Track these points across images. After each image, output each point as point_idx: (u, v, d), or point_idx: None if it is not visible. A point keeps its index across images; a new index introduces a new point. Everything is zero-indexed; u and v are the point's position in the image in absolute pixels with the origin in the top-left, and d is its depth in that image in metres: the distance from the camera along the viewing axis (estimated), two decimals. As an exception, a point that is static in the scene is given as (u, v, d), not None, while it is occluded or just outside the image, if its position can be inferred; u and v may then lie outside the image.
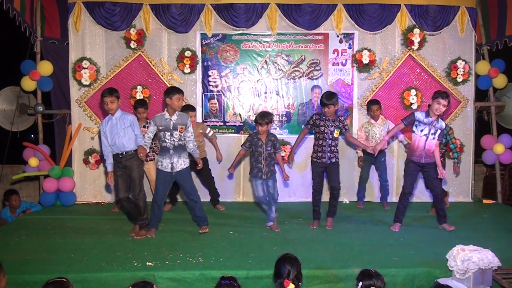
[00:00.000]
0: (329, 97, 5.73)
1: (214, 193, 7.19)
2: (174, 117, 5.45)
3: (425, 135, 5.58)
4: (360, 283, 3.21)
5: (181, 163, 5.52)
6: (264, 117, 5.70)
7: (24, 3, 7.23)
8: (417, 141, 5.65)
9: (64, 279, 3.02)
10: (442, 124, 5.62)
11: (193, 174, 6.83)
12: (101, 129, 5.55)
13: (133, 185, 5.59)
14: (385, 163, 7.15)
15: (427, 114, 5.57)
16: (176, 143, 5.47)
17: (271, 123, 5.81)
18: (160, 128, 5.45)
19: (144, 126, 6.64)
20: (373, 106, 6.89)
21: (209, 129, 7.02)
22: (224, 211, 6.94)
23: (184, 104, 5.67)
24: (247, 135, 6.52)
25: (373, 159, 6.90)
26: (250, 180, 5.97)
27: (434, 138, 5.59)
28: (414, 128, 5.66)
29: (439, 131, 5.58)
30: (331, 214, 6.14)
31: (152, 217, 5.67)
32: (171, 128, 5.43)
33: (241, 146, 6.00)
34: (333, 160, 5.90)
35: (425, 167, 5.72)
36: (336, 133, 5.84)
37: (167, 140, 5.44)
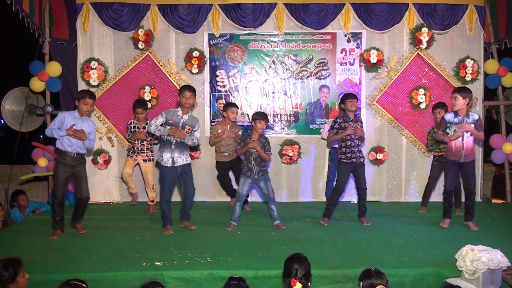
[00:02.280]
0: (353, 94, 6.09)
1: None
2: (186, 117, 5.59)
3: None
4: (361, 283, 3.23)
5: (183, 158, 5.66)
6: (262, 114, 5.86)
7: (33, 4, 7.28)
8: (454, 143, 5.68)
9: (84, 284, 3.01)
10: (474, 116, 5.64)
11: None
12: (60, 116, 5.49)
13: (81, 185, 5.70)
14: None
15: (456, 114, 5.63)
16: (179, 140, 5.57)
17: (267, 123, 5.90)
18: (170, 122, 5.54)
19: (144, 127, 6.69)
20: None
21: (241, 132, 7.03)
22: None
23: (193, 102, 5.73)
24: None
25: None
26: (240, 175, 5.97)
27: (470, 135, 5.61)
28: (448, 131, 5.69)
29: (472, 125, 5.58)
30: (362, 214, 6.28)
31: (163, 215, 5.78)
32: (180, 125, 5.54)
33: (236, 146, 6.08)
34: (362, 160, 6.04)
35: (464, 166, 5.75)
36: None
37: (172, 136, 5.54)
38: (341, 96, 6.38)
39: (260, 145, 5.80)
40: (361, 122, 6.14)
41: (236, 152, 6.09)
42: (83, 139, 5.46)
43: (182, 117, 5.58)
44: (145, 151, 6.82)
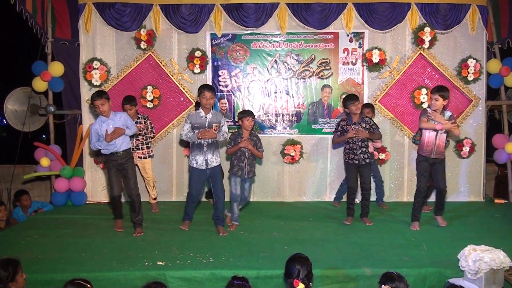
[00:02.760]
0: (355, 96, 6.13)
1: None
2: (209, 115, 5.59)
3: (435, 130, 5.64)
4: (383, 286, 3.20)
5: (215, 159, 5.66)
6: (247, 111, 5.89)
7: (36, 4, 7.29)
8: (427, 138, 5.73)
9: (88, 285, 3.02)
10: (447, 113, 5.69)
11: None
12: (93, 129, 5.55)
13: (129, 183, 5.68)
14: (375, 164, 7.19)
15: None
16: (210, 140, 5.57)
17: (254, 118, 5.89)
18: (196, 125, 5.54)
19: (136, 122, 6.59)
20: (365, 109, 6.86)
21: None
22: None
23: (214, 102, 5.71)
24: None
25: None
26: (230, 176, 5.96)
27: (444, 132, 5.65)
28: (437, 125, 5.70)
29: (448, 120, 5.62)
30: (365, 214, 6.29)
31: (187, 211, 5.87)
32: (206, 126, 5.54)
33: (226, 145, 6.06)
34: (367, 161, 6.07)
35: (435, 163, 5.77)
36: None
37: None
38: (343, 98, 6.35)
39: (252, 143, 5.82)
40: (367, 124, 6.08)
41: (227, 151, 6.05)
42: (123, 133, 5.51)
43: (206, 117, 5.56)
44: (141, 148, 6.74)
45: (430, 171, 5.88)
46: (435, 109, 5.61)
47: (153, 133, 6.92)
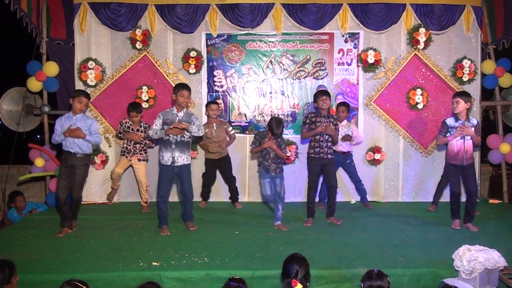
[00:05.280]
0: (325, 92, 6.13)
1: (234, 192, 7.35)
2: (181, 114, 5.64)
3: (461, 137, 5.67)
4: (362, 284, 3.23)
5: (183, 158, 5.69)
6: (279, 128, 5.77)
7: (31, 4, 7.27)
8: (455, 146, 5.74)
9: (84, 287, 3.01)
10: (473, 121, 5.74)
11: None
12: (57, 123, 5.62)
13: (74, 184, 5.68)
14: (353, 164, 7.19)
15: (456, 118, 5.70)
16: (179, 138, 5.61)
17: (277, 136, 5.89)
18: (166, 121, 5.59)
19: (138, 130, 6.70)
20: (340, 107, 6.95)
21: (230, 128, 7.13)
22: (231, 211, 6.95)
23: (189, 101, 5.76)
24: (253, 135, 6.57)
25: (340, 162, 6.98)
26: (259, 177, 6.03)
27: (470, 138, 5.67)
28: (448, 135, 5.74)
29: (473, 129, 5.65)
30: (331, 213, 6.29)
31: (160, 215, 5.79)
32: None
33: (251, 145, 6.09)
34: (329, 156, 6.07)
35: (465, 169, 5.79)
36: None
37: (170, 135, 5.56)
38: (314, 94, 6.39)
39: (276, 144, 5.84)
40: (334, 119, 6.15)
41: (251, 151, 6.11)
42: (82, 137, 5.50)
43: (177, 115, 5.62)
44: (138, 152, 6.82)
45: (462, 176, 5.89)
46: (457, 112, 5.64)
47: (153, 142, 6.95)
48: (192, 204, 5.94)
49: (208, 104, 7.03)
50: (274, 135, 5.77)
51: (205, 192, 7.29)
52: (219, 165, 7.13)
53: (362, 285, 3.25)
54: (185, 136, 5.65)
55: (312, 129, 6.03)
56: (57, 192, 5.67)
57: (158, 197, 5.78)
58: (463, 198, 6.05)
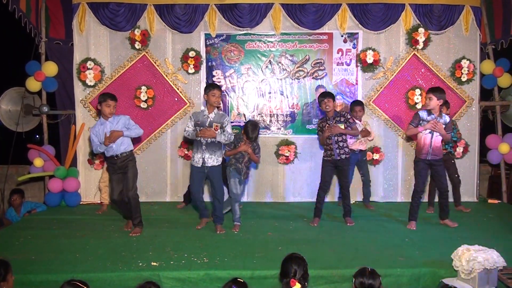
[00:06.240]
0: (325, 94, 6.03)
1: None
2: (212, 115, 5.62)
3: (430, 132, 5.69)
4: (353, 279, 3.24)
5: (214, 160, 5.66)
6: (254, 132, 5.82)
7: (30, 4, 7.25)
8: (423, 139, 5.76)
9: (85, 287, 3.01)
10: (446, 118, 5.75)
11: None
12: (93, 133, 5.56)
13: (127, 184, 5.64)
14: (366, 163, 7.24)
15: (429, 112, 5.71)
16: (209, 140, 5.58)
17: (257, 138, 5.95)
18: (198, 123, 5.59)
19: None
20: (356, 107, 6.94)
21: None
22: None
23: (220, 101, 5.74)
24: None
25: (357, 160, 7.01)
26: (230, 177, 5.96)
27: (438, 134, 5.67)
28: (419, 127, 5.73)
29: (443, 126, 5.66)
30: (348, 213, 6.27)
31: (199, 208, 6.01)
32: (207, 125, 5.57)
33: (226, 147, 6.04)
34: (343, 156, 6.02)
35: (433, 165, 5.80)
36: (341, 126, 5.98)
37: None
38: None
39: (251, 148, 5.86)
40: (343, 116, 6.03)
41: (225, 153, 6.02)
42: (120, 135, 5.46)
43: (208, 116, 5.60)
44: None
45: (431, 172, 5.93)
46: (430, 109, 5.66)
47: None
48: (221, 205, 5.87)
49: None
50: (249, 138, 5.79)
51: (189, 195, 7.08)
52: None
53: (353, 281, 3.26)
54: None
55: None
56: (111, 196, 5.74)
57: (191, 199, 5.98)
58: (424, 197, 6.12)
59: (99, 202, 7.20)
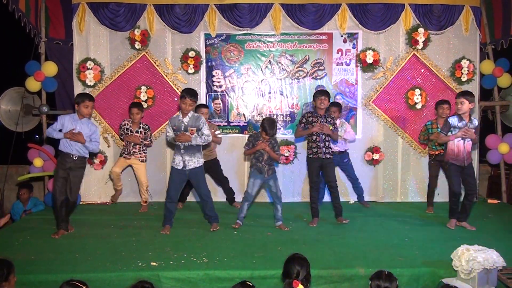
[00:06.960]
0: (323, 92, 6.08)
1: (228, 192, 7.33)
2: (186, 119, 5.64)
3: (462, 139, 5.67)
4: (370, 282, 3.22)
5: (194, 162, 5.70)
6: (273, 128, 5.79)
7: (29, 4, 7.26)
8: (456, 146, 5.73)
9: (84, 287, 3.01)
10: (475, 122, 5.76)
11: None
12: (59, 118, 5.61)
13: (73, 189, 5.66)
14: (350, 162, 7.20)
15: (460, 118, 5.68)
16: (187, 143, 5.60)
17: (271, 136, 5.88)
18: (174, 128, 5.66)
19: (137, 131, 6.72)
20: (332, 107, 6.82)
21: (218, 131, 7.09)
22: (229, 211, 6.94)
23: (191, 108, 5.70)
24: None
25: (337, 162, 6.94)
26: (250, 177, 5.99)
27: (469, 140, 5.69)
28: (450, 134, 5.74)
29: (473, 131, 5.67)
30: (339, 213, 6.28)
31: (166, 214, 5.85)
32: (182, 129, 5.61)
33: (244, 147, 6.06)
34: (328, 156, 6.06)
35: (466, 168, 5.79)
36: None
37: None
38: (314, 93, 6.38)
39: (270, 146, 5.84)
40: (332, 119, 6.14)
41: (245, 153, 6.11)
42: (81, 142, 5.50)
43: (183, 121, 5.63)
44: (138, 153, 6.84)
45: (461, 175, 5.87)
46: (462, 113, 5.63)
47: (151, 141, 7.01)
48: (212, 205, 5.94)
49: (198, 107, 6.68)
50: (268, 134, 5.77)
51: (183, 194, 7.14)
52: (206, 168, 7.03)
53: (370, 283, 3.25)
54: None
55: (307, 128, 6.04)
56: (55, 194, 5.63)
57: (167, 198, 5.84)
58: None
59: (116, 189, 7.38)
